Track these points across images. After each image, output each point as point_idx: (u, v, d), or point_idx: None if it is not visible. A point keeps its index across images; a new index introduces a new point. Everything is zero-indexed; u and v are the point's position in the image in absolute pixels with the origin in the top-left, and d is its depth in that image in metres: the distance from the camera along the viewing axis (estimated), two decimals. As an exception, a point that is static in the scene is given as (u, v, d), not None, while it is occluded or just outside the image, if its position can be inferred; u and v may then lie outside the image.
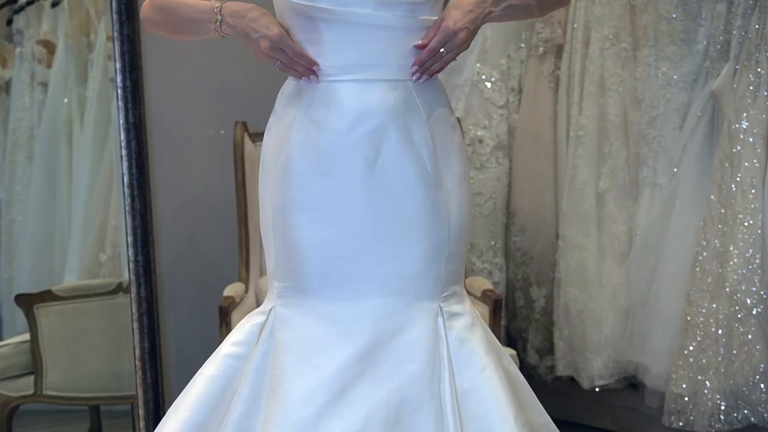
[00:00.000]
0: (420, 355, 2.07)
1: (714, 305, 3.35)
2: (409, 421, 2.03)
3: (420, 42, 2.10)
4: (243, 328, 2.17)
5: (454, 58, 2.13)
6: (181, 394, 2.15)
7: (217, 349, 2.18)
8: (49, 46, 3.89)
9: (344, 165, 2.08)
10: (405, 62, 2.11)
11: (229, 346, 2.16)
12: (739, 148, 3.36)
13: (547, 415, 2.26)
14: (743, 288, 3.28)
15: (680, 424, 3.41)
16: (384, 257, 2.09)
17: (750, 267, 3.28)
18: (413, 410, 2.04)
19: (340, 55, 2.09)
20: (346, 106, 2.08)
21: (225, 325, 3.31)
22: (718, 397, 3.30)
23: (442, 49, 2.10)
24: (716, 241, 3.38)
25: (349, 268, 2.09)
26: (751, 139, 3.34)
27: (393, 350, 2.07)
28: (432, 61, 2.10)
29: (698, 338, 3.37)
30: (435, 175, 2.11)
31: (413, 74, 2.10)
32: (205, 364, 2.17)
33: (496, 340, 2.21)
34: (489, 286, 3.36)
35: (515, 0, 2.17)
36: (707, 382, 3.33)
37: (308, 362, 2.06)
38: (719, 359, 3.31)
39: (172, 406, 2.14)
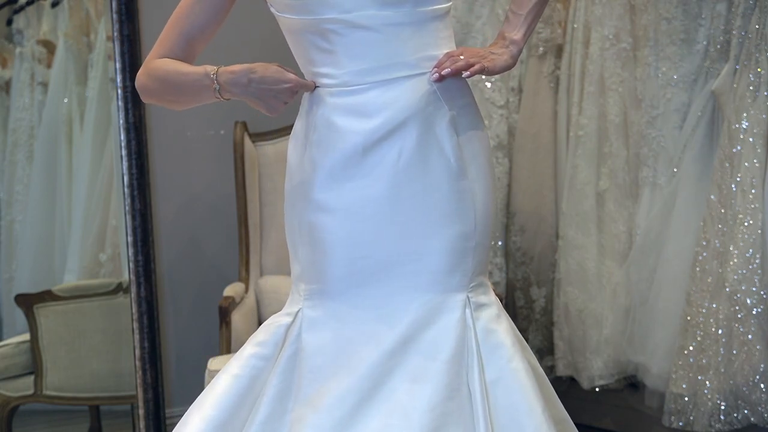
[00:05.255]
0: (449, 345, 2.07)
1: (714, 305, 3.34)
2: (442, 410, 2.03)
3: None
4: (268, 329, 2.16)
5: (476, 66, 2.09)
6: (203, 392, 2.16)
7: (240, 349, 2.18)
8: (49, 46, 3.89)
9: (368, 165, 2.08)
10: (421, 55, 2.10)
11: (253, 346, 2.16)
12: (739, 148, 3.36)
13: (565, 411, 2.26)
14: (743, 288, 3.28)
15: (680, 424, 3.41)
16: (411, 254, 2.10)
17: (750, 267, 3.28)
18: (444, 399, 2.04)
19: (355, 60, 2.08)
20: (370, 109, 2.08)
21: (225, 325, 3.31)
22: (718, 397, 3.30)
23: (462, 57, 2.10)
24: (716, 241, 3.37)
25: (376, 267, 2.10)
26: (751, 139, 3.34)
27: (422, 342, 2.07)
28: (451, 61, 2.08)
29: (698, 338, 3.37)
30: (459, 165, 2.11)
31: (432, 74, 2.10)
32: (228, 363, 2.17)
33: (519, 333, 2.21)
34: (489, 286, 3.36)
35: (529, 6, 2.18)
36: (707, 382, 3.33)
37: (339, 364, 2.07)
38: (719, 359, 3.31)
39: (194, 403, 2.14)
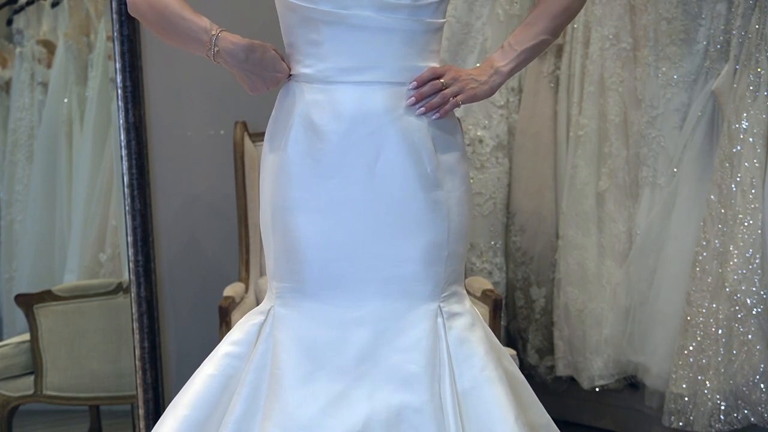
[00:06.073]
0: (420, 355, 2.07)
1: (714, 305, 3.35)
2: (410, 422, 2.03)
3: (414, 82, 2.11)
4: (242, 328, 2.17)
5: (456, 97, 2.13)
6: (179, 393, 2.15)
7: (215, 349, 2.18)
8: (49, 46, 3.89)
9: (344, 167, 2.08)
10: (406, 64, 2.10)
11: (228, 345, 2.16)
12: (739, 148, 3.36)
13: (548, 415, 2.26)
14: (743, 288, 3.28)
15: (680, 424, 3.41)
16: (384, 260, 2.09)
17: (750, 267, 3.28)
18: (414, 411, 2.03)
19: (341, 57, 2.08)
20: (346, 109, 2.08)
21: (225, 325, 3.31)
22: (718, 397, 3.30)
23: (442, 80, 2.11)
24: (716, 241, 3.37)
25: (349, 270, 2.09)
26: (751, 139, 3.34)
27: (393, 352, 2.07)
28: (431, 89, 2.11)
29: (698, 338, 3.37)
30: (435, 175, 2.11)
31: (409, 100, 2.10)
32: (203, 363, 2.17)
33: (497, 340, 2.21)
34: (489, 286, 3.36)
35: (526, 45, 2.19)
36: (707, 382, 3.33)
37: (308, 364, 2.06)
38: (719, 359, 3.31)
39: (171, 404, 2.14)
